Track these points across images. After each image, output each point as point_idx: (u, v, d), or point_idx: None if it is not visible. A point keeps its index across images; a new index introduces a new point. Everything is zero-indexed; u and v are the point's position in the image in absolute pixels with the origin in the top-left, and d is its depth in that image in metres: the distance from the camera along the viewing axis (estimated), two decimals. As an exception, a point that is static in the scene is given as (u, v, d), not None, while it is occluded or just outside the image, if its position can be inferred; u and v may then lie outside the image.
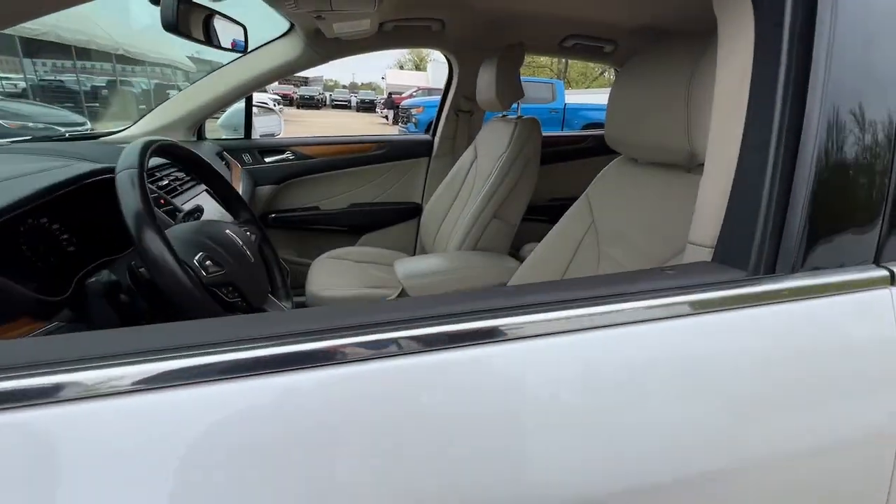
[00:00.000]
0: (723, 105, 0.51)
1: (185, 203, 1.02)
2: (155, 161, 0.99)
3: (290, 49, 1.54)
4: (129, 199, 0.56)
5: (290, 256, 1.91)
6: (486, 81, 1.44)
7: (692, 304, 0.38)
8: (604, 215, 0.99)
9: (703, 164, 0.82)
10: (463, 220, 1.44)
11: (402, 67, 38.32)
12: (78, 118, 6.35)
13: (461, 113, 1.90)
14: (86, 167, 0.77)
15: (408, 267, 1.21)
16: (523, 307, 0.36)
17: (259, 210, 1.81)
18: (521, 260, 1.79)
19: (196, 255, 0.64)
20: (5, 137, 1.29)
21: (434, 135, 1.99)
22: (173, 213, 0.93)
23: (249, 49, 1.57)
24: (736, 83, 0.49)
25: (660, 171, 0.88)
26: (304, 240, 1.94)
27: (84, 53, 10.47)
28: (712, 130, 0.52)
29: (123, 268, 0.64)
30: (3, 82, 10.08)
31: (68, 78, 11.09)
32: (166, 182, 1.04)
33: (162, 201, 0.94)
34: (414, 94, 13.79)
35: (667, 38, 0.88)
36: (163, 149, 0.68)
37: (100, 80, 12.11)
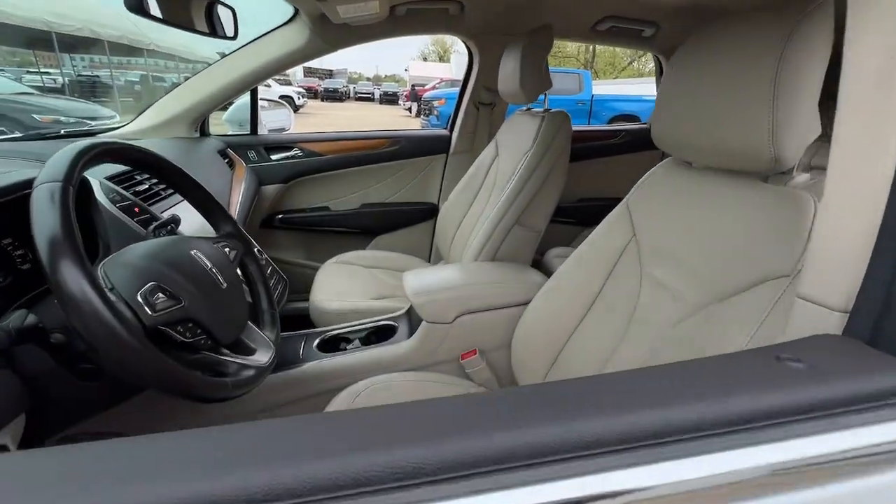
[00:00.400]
0: (857, 98, 0.34)
1: (165, 211, 0.90)
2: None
3: (295, 37, 1.41)
4: (43, 220, 0.44)
5: (297, 259, 1.80)
6: (509, 70, 1.27)
7: (858, 456, 0.21)
8: (648, 229, 0.82)
9: (787, 173, 0.65)
10: (482, 225, 1.29)
11: (425, 59, 38.01)
12: (108, 112, 6.47)
13: (482, 106, 1.73)
14: (32, 173, 0.65)
15: (418, 282, 1.07)
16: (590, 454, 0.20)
17: (265, 211, 1.70)
18: (544, 268, 1.63)
19: (142, 287, 0.52)
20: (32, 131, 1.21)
21: (452, 130, 1.83)
22: (149, 222, 0.81)
23: (254, 38, 1.45)
24: (882, 64, 0.33)
25: (724, 179, 0.71)
26: (312, 242, 1.82)
27: (117, 49, 10.71)
28: (838, 135, 0.36)
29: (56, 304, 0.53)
30: (44, 77, 10.43)
31: (104, 73, 11.39)
32: (146, 186, 0.92)
33: (137, 209, 0.82)
34: (437, 85, 13.57)
35: (724, 18, 0.69)
36: (110, 153, 0.56)
37: (133, 76, 12.41)
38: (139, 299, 0.50)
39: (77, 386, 0.54)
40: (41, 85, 9.87)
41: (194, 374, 0.50)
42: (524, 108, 1.44)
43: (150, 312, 0.50)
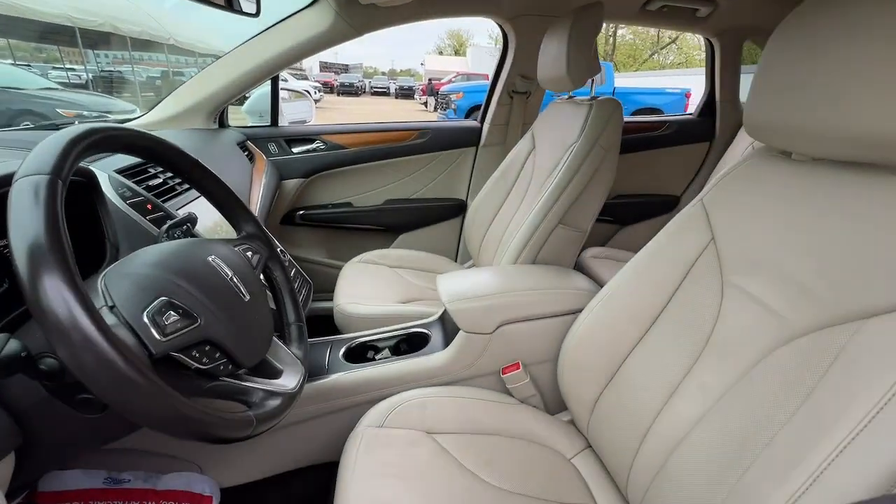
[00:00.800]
0: None
1: (181, 208, 0.81)
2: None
3: (319, 20, 1.31)
4: (23, 223, 0.34)
5: (319, 258, 1.71)
6: (552, 53, 1.15)
7: None
8: (731, 231, 0.70)
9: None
10: (518, 225, 1.17)
11: (441, 53, 37.78)
12: (129, 106, 6.53)
13: (516, 95, 1.61)
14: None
15: (454, 287, 0.96)
16: None
17: (285, 207, 1.62)
18: (579, 270, 1.51)
19: (150, 304, 0.42)
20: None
21: (483, 121, 1.72)
22: (163, 221, 0.72)
23: (274, 22, 1.36)
24: None
25: (841, 173, 0.58)
26: (334, 240, 1.74)
27: (138, 44, 10.81)
28: None
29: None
30: (69, 73, 10.60)
31: (126, 69, 11.54)
32: (160, 180, 0.83)
33: (149, 206, 0.73)
34: (453, 79, 13.45)
35: None
36: (111, 140, 0.46)
37: (154, 72, 12.54)
38: (145, 320, 0.41)
39: (76, 419, 0.45)
40: (66, 81, 10.03)
41: (212, 414, 0.40)
42: (565, 96, 1.32)
43: (158, 337, 0.41)
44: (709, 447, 0.60)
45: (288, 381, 0.56)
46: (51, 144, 0.39)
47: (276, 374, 0.57)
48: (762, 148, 0.71)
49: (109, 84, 10.93)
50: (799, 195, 0.62)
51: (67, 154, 0.39)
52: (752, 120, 0.65)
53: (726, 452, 0.57)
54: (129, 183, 0.75)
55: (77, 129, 0.42)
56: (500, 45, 1.66)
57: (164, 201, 0.79)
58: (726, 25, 1.53)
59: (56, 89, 6.78)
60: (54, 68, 10.72)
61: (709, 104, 1.82)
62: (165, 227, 0.65)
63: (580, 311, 0.86)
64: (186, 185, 0.89)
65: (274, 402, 0.51)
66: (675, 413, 0.67)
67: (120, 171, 0.76)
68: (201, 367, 0.45)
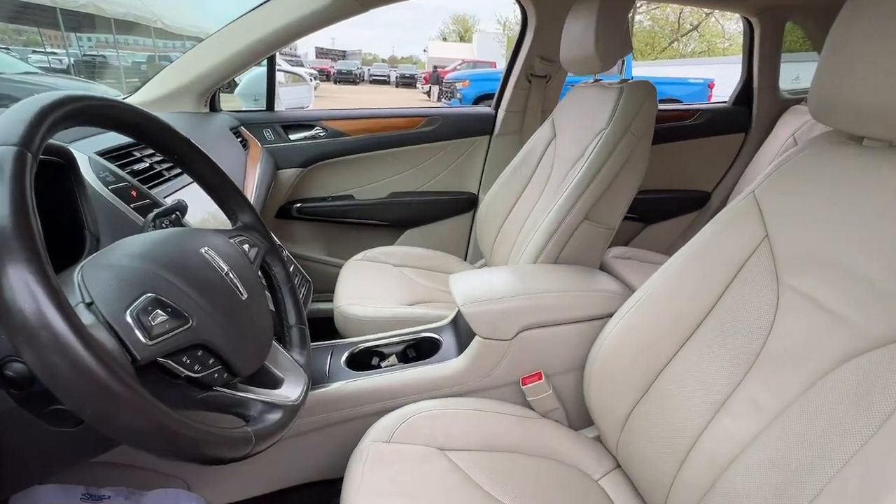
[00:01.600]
0: None
1: (169, 196, 0.78)
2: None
3: (321, -6, 1.27)
4: None
5: (317, 255, 1.68)
6: (578, 31, 1.11)
7: None
8: (789, 229, 0.66)
9: None
10: (538, 220, 1.14)
11: (445, 39, 37.79)
12: (113, 92, 6.53)
13: (534, 78, 1.57)
14: None
15: (469, 288, 0.93)
16: None
17: (281, 198, 1.59)
18: (605, 271, 1.47)
19: (134, 301, 0.39)
20: None
21: (497, 108, 1.68)
22: (149, 209, 0.69)
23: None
24: None
25: None
26: (334, 236, 1.70)
27: (123, 27, 10.80)
28: None
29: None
30: (49, 58, 10.62)
31: (110, 53, 11.56)
32: (146, 165, 0.80)
33: (134, 193, 0.70)
34: (458, 67, 13.45)
35: None
36: (89, 111, 0.43)
37: (140, 56, 12.55)
38: (128, 319, 0.37)
39: (49, 433, 0.41)
40: (47, 65, 10.04)
41: (205, 430, 0.37)
42: (589, 80, 1.28)
43: (143, 340, 0.37)
44: (767, 471, 0.56)
45: (289, 391, 0.53)
46: (19, 112, 0.35)
47: (276, 383, 0.53)
48: (825, 133, 0.67)
49: (92, 69, 10.95)
50: (871, 186, 0.58)
51: (39, 124, 0.35)
52: (819, 101, 0.61)
53: (788, 478, 0.53)
54: (112, 167, 0.71)
55: (51, 95, 0.39)
56: (507, 32, 1.62)
57: (150, 188, 0.75)
58: (768, 3, 1.49)
59: (36, 73, 6.78)
60: (34, 52, 10.74)
61: (745, 91, 1.78)
62: (152, 215, 0.62)
63: (610, 315, 0.83)
64: (175, 171, 0.86)
65: (274, 416, 0.47)
66: (722, 431, 0.64)
67: (102, 154, 0.72)
68: (193, 375, 0.41)
